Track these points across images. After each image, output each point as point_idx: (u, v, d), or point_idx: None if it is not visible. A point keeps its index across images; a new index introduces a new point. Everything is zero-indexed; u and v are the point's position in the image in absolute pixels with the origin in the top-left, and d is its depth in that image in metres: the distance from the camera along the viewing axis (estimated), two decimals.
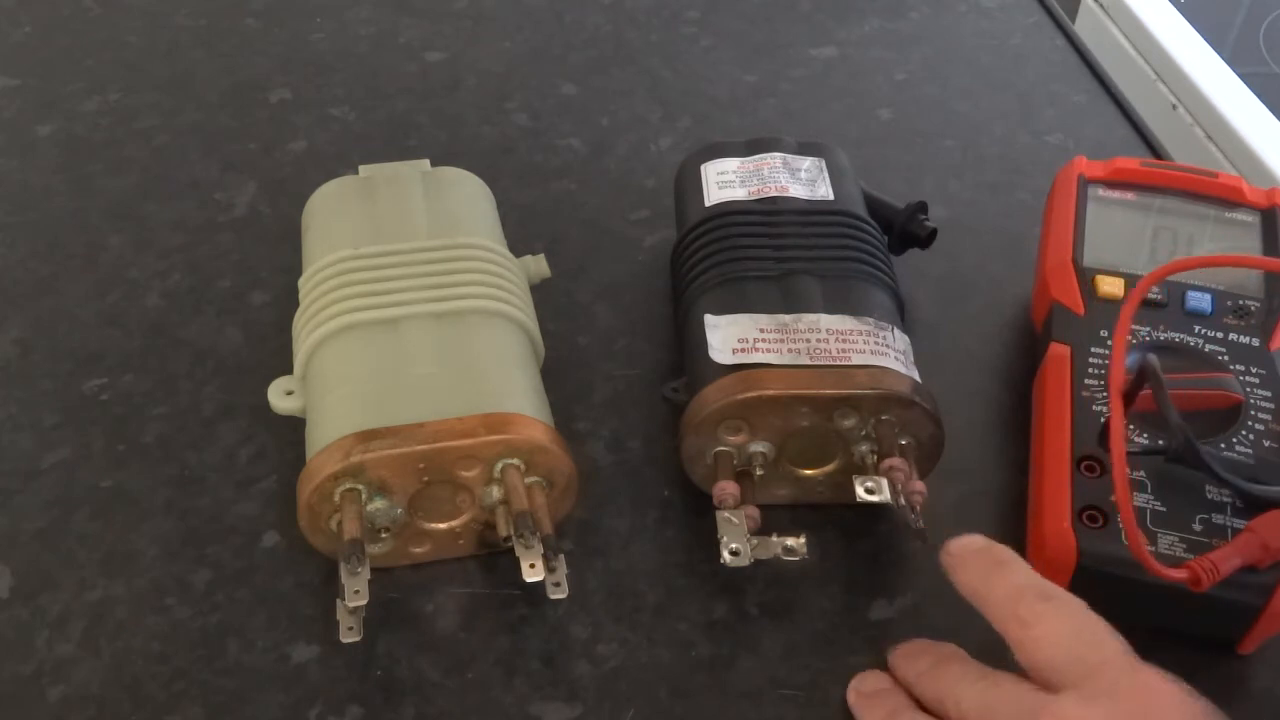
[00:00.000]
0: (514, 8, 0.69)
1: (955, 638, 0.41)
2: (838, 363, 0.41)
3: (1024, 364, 0.49)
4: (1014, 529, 0.43)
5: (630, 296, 0.52)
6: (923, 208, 0.51)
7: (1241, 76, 0.90)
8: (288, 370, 0.43)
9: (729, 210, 0.47)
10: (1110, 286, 0.46)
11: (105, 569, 0.42)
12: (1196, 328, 0.45)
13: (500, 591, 0.41)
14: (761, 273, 0.44)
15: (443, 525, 0.41)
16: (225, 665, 0.39)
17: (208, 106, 0.62)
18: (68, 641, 0.40)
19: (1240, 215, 0.49)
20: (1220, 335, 0.45)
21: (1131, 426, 0.42)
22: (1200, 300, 0.46)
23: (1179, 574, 0.37)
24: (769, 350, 0.41)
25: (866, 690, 0.38)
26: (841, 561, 0.43)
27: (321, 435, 0.39)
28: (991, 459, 0.46)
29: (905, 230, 0.51)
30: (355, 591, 0.37)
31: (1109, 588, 0.39)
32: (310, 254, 0.46)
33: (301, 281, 0.45)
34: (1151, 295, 0.46)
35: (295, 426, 0.43)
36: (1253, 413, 0.42)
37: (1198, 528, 0.39)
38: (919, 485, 0.40)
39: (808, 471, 0.43)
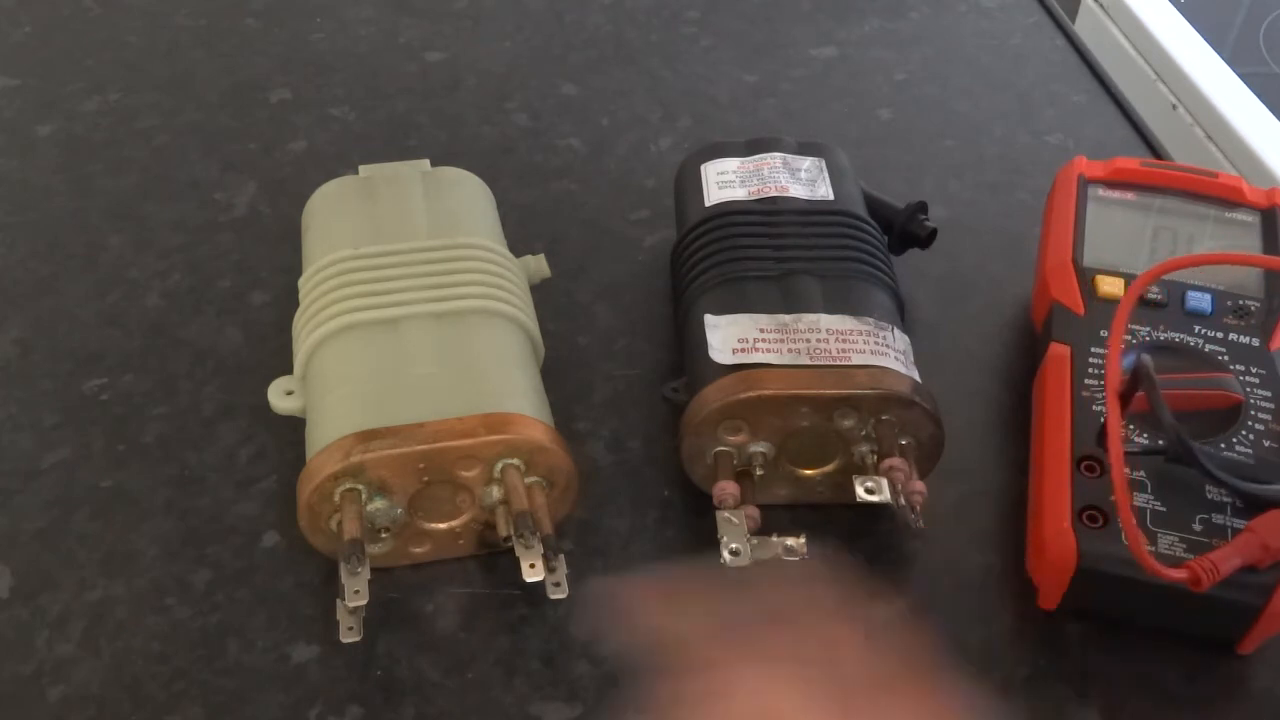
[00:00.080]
0: (514, 8, 0.69)
1: (956, 637, 0.41)
2: (838, 363, 0.41)
3: (1024, 364, 0.49)
4: (1014, 529, 0.44)
5: (630, 296, 0.52)
6: (923, 208, 0.51)
7: (1241, 76, 0.90)
8: (288, 370, 0.43)
9: (729, 210, 0.47)
10: (1110, 286, 0.46)
11: (105, 569, 0.42)
12: (1196, 328, 0.45)
13: (500, 591, 0.41)
14: (761, 273, 0.44)
15: (443, 525, 0.41)
16: (225, 665, 0.39)
17: (208, 106, 0.62)
18: (68, 641, 0.40)
19: (1240, 215, 0.49)
20: (1220, 335, 0.45)
21: (1131, 427, 0.42)
22: (1200, 300, 0.46)
23: (1179, 574, 0.37)
24: (769, 350, 0.41)
25: None
26: (841, 561, 0.43)
27: (321, 435, 0.39)
28: (991, 459, 0.46)
29: (905, 230, 0.51)
30: (355, 591, 0.37)
31: (1109, 588, 0.39)
32: (310, 254, 0.46)
33: (301, 281, 0.45)
34: (1151, 295, 0.46)
35: (295, 426, 0.43)
36: (1253, 413, 0.42)
37: (1198, 528, 0.39)
38: (919, 485, 0.40)
39: (808, 471, 0.43)
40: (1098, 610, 0.41)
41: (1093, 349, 0.44)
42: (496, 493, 0.40)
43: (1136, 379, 0.41)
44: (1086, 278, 0.47)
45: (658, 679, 0.36)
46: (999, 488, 0.45)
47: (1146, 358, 0.41)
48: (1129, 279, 0.46)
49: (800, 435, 0.42)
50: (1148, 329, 0.45)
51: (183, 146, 0.59)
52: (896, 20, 0.70)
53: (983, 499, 0.45)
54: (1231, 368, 0.43)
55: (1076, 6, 1.02)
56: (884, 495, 0.40)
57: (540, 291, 0.48)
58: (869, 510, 0.43)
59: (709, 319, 0.43)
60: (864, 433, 0.41)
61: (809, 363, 0.41)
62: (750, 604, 0.38)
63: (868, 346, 0.42)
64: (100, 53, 0.65)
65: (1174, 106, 0.91)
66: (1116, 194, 0.50)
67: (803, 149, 0.50)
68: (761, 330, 0.42)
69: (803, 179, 0.48)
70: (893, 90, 0.65)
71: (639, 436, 0.47)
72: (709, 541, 0.40)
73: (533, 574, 0.38)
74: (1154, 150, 0.62)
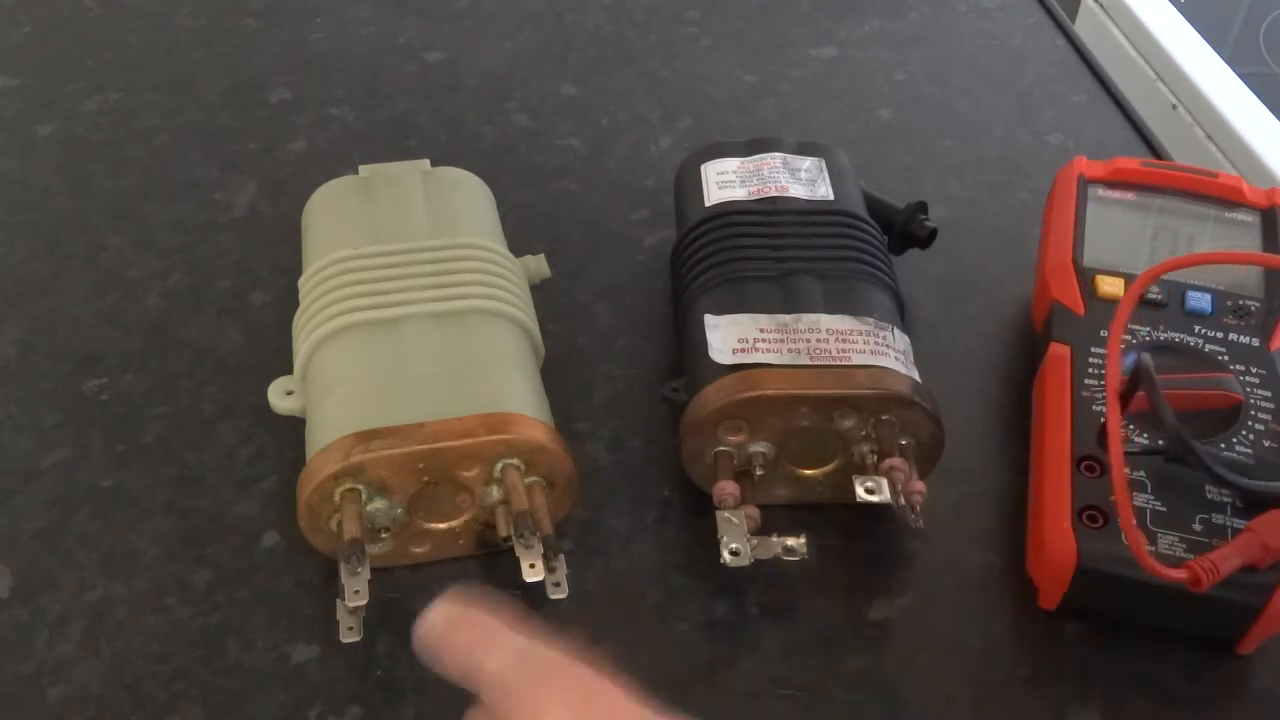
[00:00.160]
0: (514, 8, 0.69)
1: (956, 637, 0.41)
2: (838, 363, 0.41)
3: (1024, 364, 0.49)
4: (1014, 529, 0.44)
5: (630, 296, 0.52)
6: (923, 208, 0.51)
7: (1241, 76, 0.90)
8: (288, 370, 0.43)
9: (729, 210, 0.47)
10: (1110, 286, 0.46)
11: (105, 569, 0.42)
12: (1196, 328, 0.45)
13: (500, 591, 0.41)
14: (761, 273, 0.44)
15: (443, 525, 0.41)
16: (225, 665, 0.39)
17: (208, 106, 0.62)
18: (68, 641, 0.40)
19: (1240, 215, 0.49)
20: (1220, 335, 0.45)
21: (1131, 427, 0.42)
22: (1200, 300, 0.46)
23: (1179, 574, 0.37)
24: (769, 350, 0.41)
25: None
26: (841, 561, 0.43)
27: (321, 435, 0.39)
28: (991, 459, 0.46)
29: (905, 230, 0.51)
30: (355, 591, 0.37)
31: (1109, 588, 0.39)
32: (310, 254, 0.46)
33: (301, 281, 0.45)
34: (1151, 295, 0.46)
35: (295, 426, 0.43)
36: (1253, 413, 0.42)
37: (1198, 528, 0.39)
38: (919, 485, 0.40)
39: (808, 471, 0.43)
40: (1098, 610, 0.41)
41: (1093, 349, 0.44)
42: (496, 493, 0.40)
43: (1137, 378, 0.41)
44: (1086, 278, 0.47)
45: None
46: (999, 488, 0.45)
47: (1146, 357, 0.41)
48: (1129, 279, 0.46)
49: (800, 435, 0.42)
50: (1148, 329, 0.45)
51: (183, 146, 0.59)
52: (896, 20, 0.70)
53: (983, 499, 0.45)
54: (1231, 368, 0.43)
55: (1076, 6, 1.02)
56: (884, 495, 0.40)
57: (540, 291, 0.48)
58: (869, 510, 0.43)
59: (709, 319, 0.43)
60: (864, 433, 0.41)
61: (809, 363, 0.41)
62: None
63: (868, 346, 0.42)
64: (100, 53, 0.65)
65: (1174, 106, 0.91)
66: (1116, 194, 0.50)
67: (803, 149, 0.50)
68: (761, 330, 0.42)
69: (803, 179, 0.48)
70: (893, 90, 0.65)
71: (639, 436, 0.47)
72: (709, 541, 0.40)
73: (533, 574, 0.38)
74: (1154, 150, 0.62)
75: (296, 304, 0.45)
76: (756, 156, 0.50)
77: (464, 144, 0.60)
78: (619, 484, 0.45)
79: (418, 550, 0.42)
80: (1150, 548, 0.38)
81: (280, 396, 0.43)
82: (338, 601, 0.38)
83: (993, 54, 0.68)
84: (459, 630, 0.30)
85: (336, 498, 0.39)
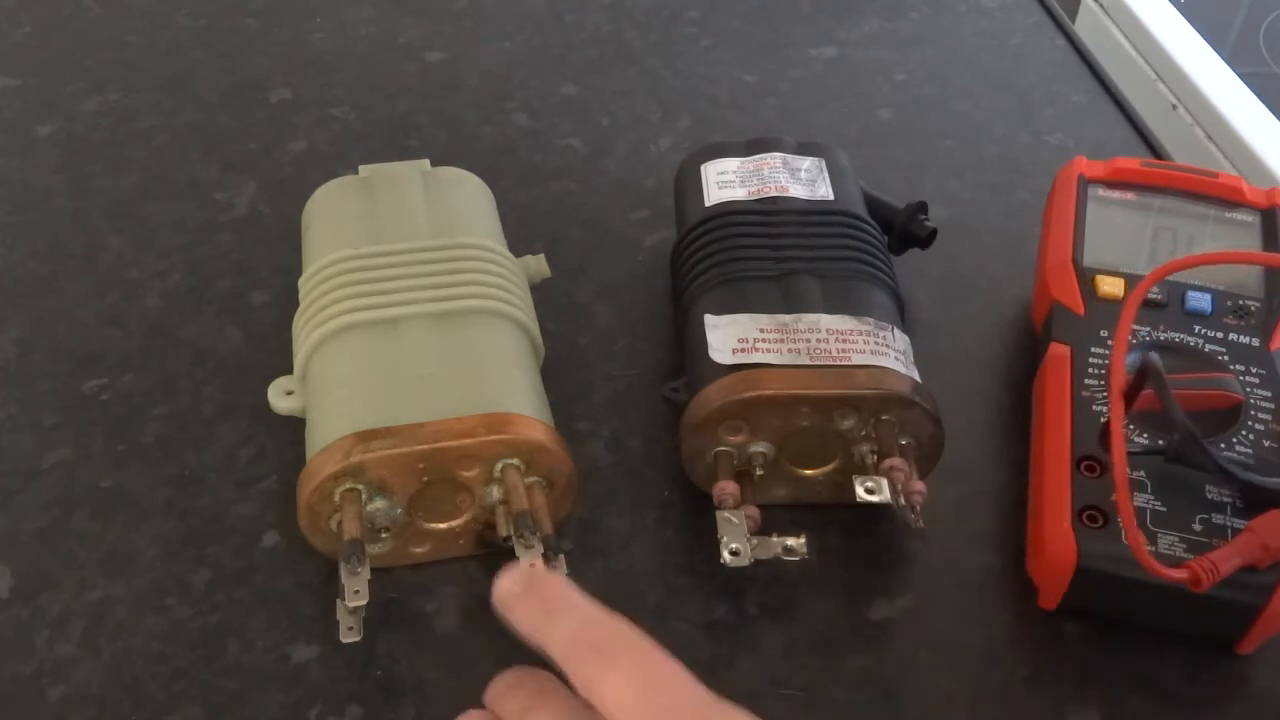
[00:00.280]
0: (514, 8, 0.69)
1: (956, 637, 0.41)
2: (838, 363, 0.41)
3: (1024, 364, 0.49)
4: (1014, 529, 0.44)
5: (630, 296, 0.52)
6: (923, 208, 0.51)
7: (1241, 76, 0.90)
8: (288, 370, 0.43)
9: (729, 210, 0.47)
10: (1110, 286, 0.46)
11: (105, 569, 0.42)
12: (1196, 328, 0.45)
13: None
14: (761, 273, 0.44)
15: (443, 525, 0.41)
16: (225, 665, 0.39)
17: (208, 106, 0.62)
18: (68, 641, 0.40)
19: (1240, 215, 0.49)
20: (1220, 335, 0.45)
21: (1131, 427, 0.42)
22: (1200, 300, 0.46)
23: (1179, 574, 0.37)
24: (769, 350, 0.41)
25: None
26: (841, 561, 0.43)
27: (321, 435, 0.39)
28: (991, 459, 0.46)
29: (905, 230, 0.51)
30: (355, 591, 0.37)
31: (1109, 588, 0.39)
32: (310, 254, 0.46)
33: (301, 281, 0.45)
34: (1151, 295, 0.46)
35: (295, 426, 0.43)
36: (1253, 413, 0.42)
37: (1198, 528, 0.39)
38: (919, 485, 0.40)
39: (808, 471, 0.43)
40: (1098, 610, 0.41)
41: (1093, 349, 0.44)
42: (496, 493, 0.40)
43: (1142, 377, 0.41)
44: (1086, 278, 0.47)
45: None
46: (999, 488, 0.45)
47: (1154, 355, 0.41)
48: (1129, 279, 0.46)
49: (800, 435, 0.42)
50: (1148, 329, 0.45)
51: (183, 146, 0.59)
52: (896, 20, 0.70)
53: (983, 499, 0.45)
54: (1231, 368, 0.43)
55: (1076, 6, 1.02)
56: (884, 495, 0.40)
57: (540, 291, 0.48)
58: (869, 510, 0.43)
59: (709, 319, 0.43)
60: (864, 433, 0.41)
61: (809, 363, 0.41)
62: None
63: (868, 346, 0.42)
64: (100, 53, 0.65)
65: (1174, 106, 0.91)
66: (1116, 194, 0.50)
67: (803, 149, 0.50)
68: (761, 330, 0.42)
69: (803, 179, 0.48)
70: (893, 90, 0.65)
71: (639, 436, 0.47)
72: (709, 541, 0.40)
73: None
74: (1154, 150, 0.62)
75: (296, 304, 0.45)
76: (756, 156, 0.50)
77: (464, 144, 0.60)
78: (619, 484, 0.45)
79: (418, 550, 0.42)
80: (1150, 548, 0.38)
81: (280, 396, 0.43)
82: (338, 601, 0.38)
83: (993, 54, 0.68)
84: (534, 591, 0.31)
85: (336, 498, 0.39)
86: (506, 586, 0.31)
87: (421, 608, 0.41)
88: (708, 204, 0.48)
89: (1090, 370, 0.44)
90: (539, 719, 0.30)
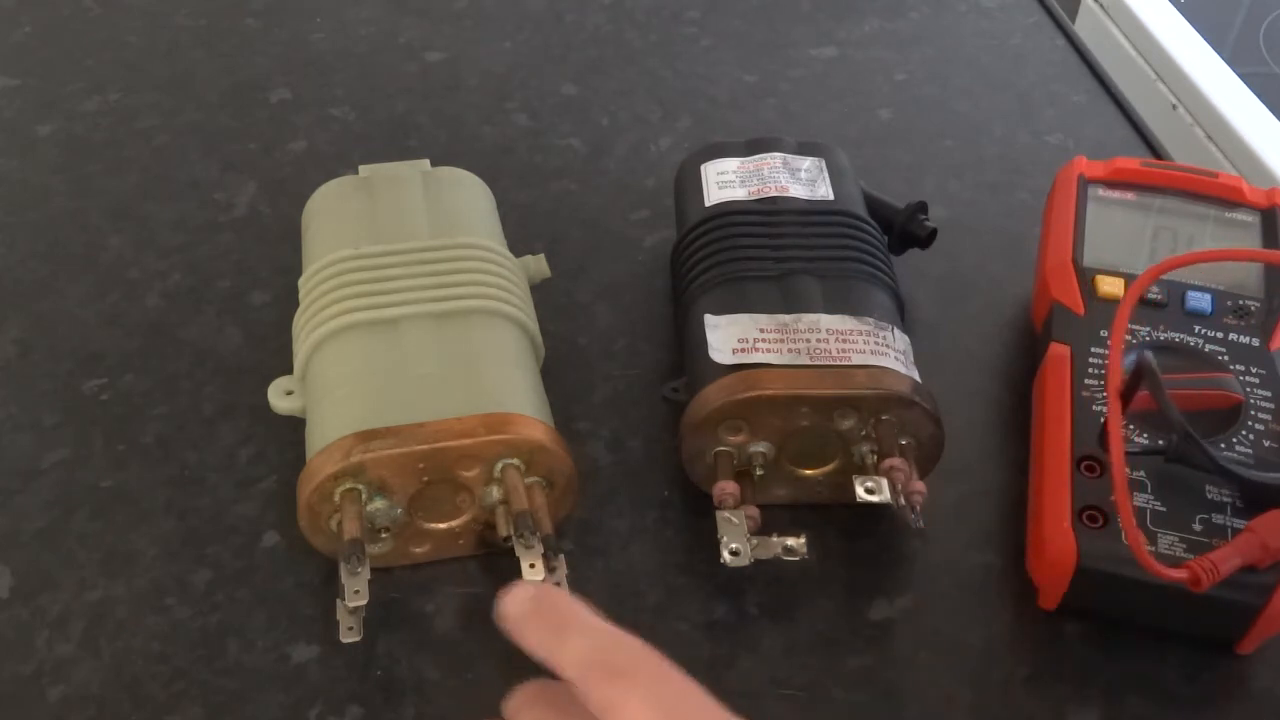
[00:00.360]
0: (514, 8, 0.69)
1: (956, 637, 0.41)
2: (838, 363, 0.41)
3: (1024, 364, 0.49)
4: (1014, 529, 0.44)
5: (630, 296, 0.52)
6: (923, 208, 0.51)
7: (1241, 76, 0.90)
8: (288, 370, 0.43)
9: (729, 210, 0.47)
10: (1110, 286, 0.46)
11: (105, 569, 0.42)
12: (1196, 328, 0.45)
13: (500, 592, 0.41)
14: (761, 273, 0.44)
15: (443, 525, 0.41)
16: (225, 665, 0.39)
17: (208, 106, 0.62)
18: (68, 641, 0.40)
19: (1240, 215, 0.49)
20: (1220, 335, 0.45)
21: (1131, 427, 0.42)
22: (1200, 300, 0.46)
23: (1179, 574, 0.37)
24: (769, 350, 0.41)
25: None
26: (841, 561, 0.43)
27: (321, 435, 0.39)
28: (991, 459, 0.46)
29: (905, 230, 0.51)
30: (355, 591, 0.37)
31: (1109, 588, 0.39)
32: (310, 254, 0.46)
33: (301, 281, 0.45)
34: (1151, 295, 0.46)
35: (295, 426, 0.43)
36: (1253, 413, 0.42)
37: (1198, 528, 0.39)
38: (919, 485, 0.40)
39: (808, 471, 0.43)
40: (1098, 610, 0.41)
41: (1093, 349, 0.44)
42: (496, 493, 0.40)
43: (1139, 376, 0.41)
44: (1086, 278, 0.47)
45: None
46: (999, 488, 0.45)
47: (1149, 354, 0.41)
48: (1129, 279, 0.46)
49: (800, 435, 0.42)
50: (1148, 329, 0.45)
51: (183, 146, 0.59)
52: (896, 20, 0.70)
53: (983, 499, 0.45)
54: (1231, 368, 0.43)
55: (1076, 6, 1.02)
56: (884, 495, 0.40)
57: (540, 291, 0.48)
58: (869, 510, 0.43)
59: (709, 319, 0.43)
60: (864, 433, 0.41)
61: (809, 363, 0.41)
62: None
63: (868, 346, 0.42)
64: (100, 53, 0.65)
65: (1174, 106, 0.91)
66: (1116, 194, 0.50)
67: (803, 149, 0.50)
68: (761, 330, 0.42)
69: (803, 179, 0.48)
70: (893, 90, 0.65)
71: (639, 436, 0.47)
72: (709, 541, 0.40)
73: (533, 574, 0.38)
74: (1154, 150, 0.62)
75: (296, 304, 0.45)
76: (756, 156, 0.50)
77: (464, 144, 0.60)
78: (619, 484, 0.45)
79: (418, 550, 0.42)
80: (1150, 548, 0.38)
81: (280, 396, 0.43)
82: (338, 601, 0.38)
83: (993, 54, 0.68)
84: (543, 610, 0.31)
85: (336, 498, 0.39)
86: (513, 606, 0.31)
87: (421, 608, 0.41)
88: (708, 204, 0.48)
89: (1090, 370, 0.44)
90: None
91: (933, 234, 0.51)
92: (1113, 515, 0.39)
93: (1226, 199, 0.50)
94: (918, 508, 0.40)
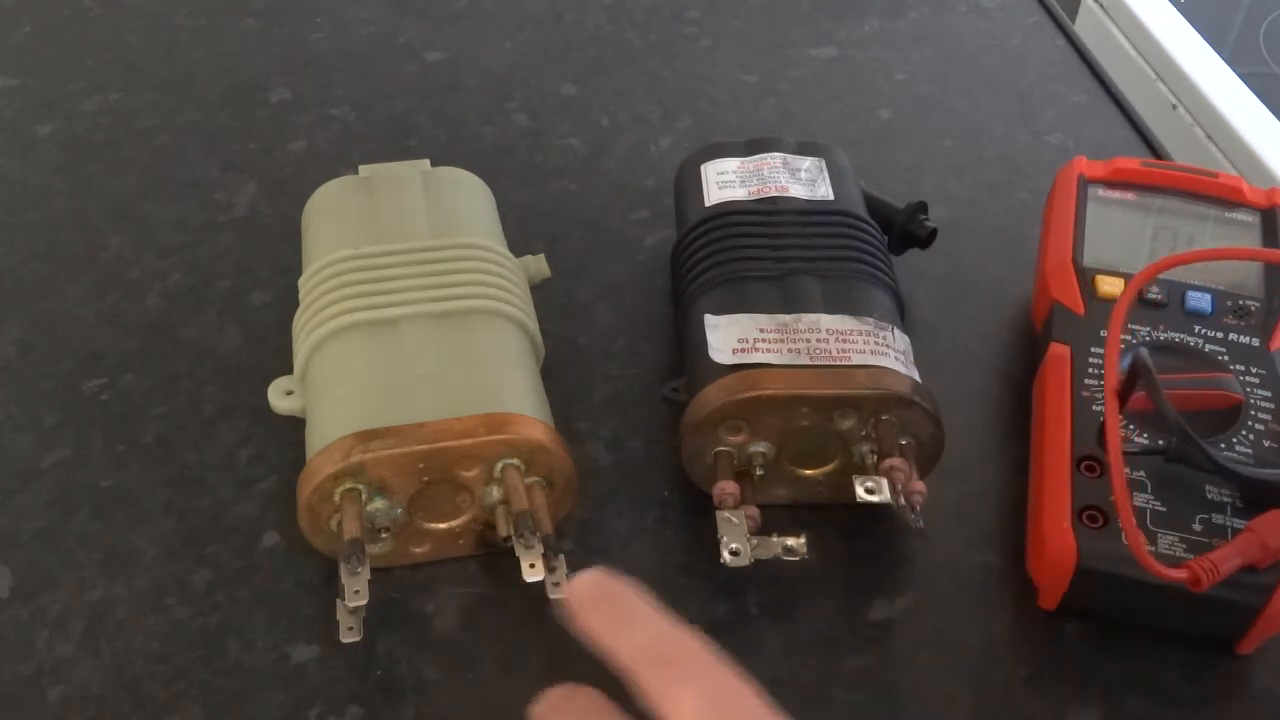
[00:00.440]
0: (514, 8, 0.69)
1: (956, 637, 0.41)
2: (838, 363, 0.41)
3: (1024, 364, 0.49)
4: (1014, 529, 0.44)
5: (630, 296, 0.52)
6: (923, 208, 0.51)
7: (1241, 76, 0.90)
8: (288, 370, 0.43)
9: (729, 210, 0.47)
10: (1110, 286, 0.46)
11: (105, 569, 0.42)
12: (1196, 328, 0.45)
13: (500, 591, 0.41)
14: (761, 273, 0.44)
15: (443, 525, 0.41)
16: (225, 665, 0.39)
17: (208, 106, 0.62)
18: (68, 641, 0.40)
19: (1240, 215, 0.49)
20: (1220, 335, 0.45)
21: (1131, 427, 0.42)
22: (1200, 300, 0.46)
23: (1179, 574, 0.37)
24: (769, 350, 0.41)
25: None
26: (841, 561, 0.43)
27: (321, 435, 0.39)
28: (991, 459, 0.46)
29: (905, 230, 0.51)
30: (355, 591, 0.37)
31: (1109, 588, 0.39)
32: (310, 254, 0.46)
33: (301, 281, 0.45)
34: (1151, 295, 0.46)
35: (295, 426, 0.43)
36: (1253, 413, 0.42)
37: (1198, 528, 0.39)
38: (919, 485, 0.40)
39: (808, 471, 0.43)
40: (1098, 610, 0.41)
41: (1093, 349, 0.44)
42: (496, 493, 0.40)
43: (1135, 375, 0.41)
44: (1086, 278, 0.47)
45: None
46: (999, 488, 0.45)
47: (1144, 351, 0.41)
48: (1129, 279, 0.46)
49: (800, 435, 0.42)
50: (1148, 329, 0.45)
51: (183, 146, 0.59)
52: (896, 20, 0.70)
53: (983, 499, 0.45)
54: (1231, 368, 0.43)
55: (1076, 6, 1.02)
56: (884, 495, 0.40)
57: (540, 291, 0.48)
58: (869, 510, 0.43)
59: (709, 319, 0.43)
60: (864, 433, 0.41)
61: (809, 363, 0.41)
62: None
63: (868, 346, 0.42)
64: (100, 53, 0.65)
65: (1174, 106, 0.91)
66: (1116, 194, 0.50)
67: (803, 149, 0.50)
68: (761, 330, 0.42)
69: (803, 179, 0.48)
70: (893, 90, 0.65)
71: (639, 436, 0.47)
72: (709, 541, 0.40)
73: (533, 574, 0.38)
74: (1154, 150, 0.62)
75: (296, 304, 0.45)
76: (756, 156, 0.50)
77: (464, 144, 0.60)
78: (619, 484, 0.45)
79: (418, 550, 0.42)
80: (1150, 548, 0.38)
81: (280, 396, 0.43)
82: (338, 601, 0.38)
83: (993, 54, 0.68)
84: (606, 598, 0.31)
85: (336, 498, 0.39)
86: (577, 591, 0.31)
87: (421, 608, 0.41)
88: (708, 204, 0.48)
89: (1090, 370, 0.44)
90: None
91: (933, 234, 0.51)
92: (1113, 515, 0.39)
93: (1226, 199, 0.50)
94: (918, 508, 0.40)
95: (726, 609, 0.41)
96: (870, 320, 0.43)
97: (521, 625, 0.41)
